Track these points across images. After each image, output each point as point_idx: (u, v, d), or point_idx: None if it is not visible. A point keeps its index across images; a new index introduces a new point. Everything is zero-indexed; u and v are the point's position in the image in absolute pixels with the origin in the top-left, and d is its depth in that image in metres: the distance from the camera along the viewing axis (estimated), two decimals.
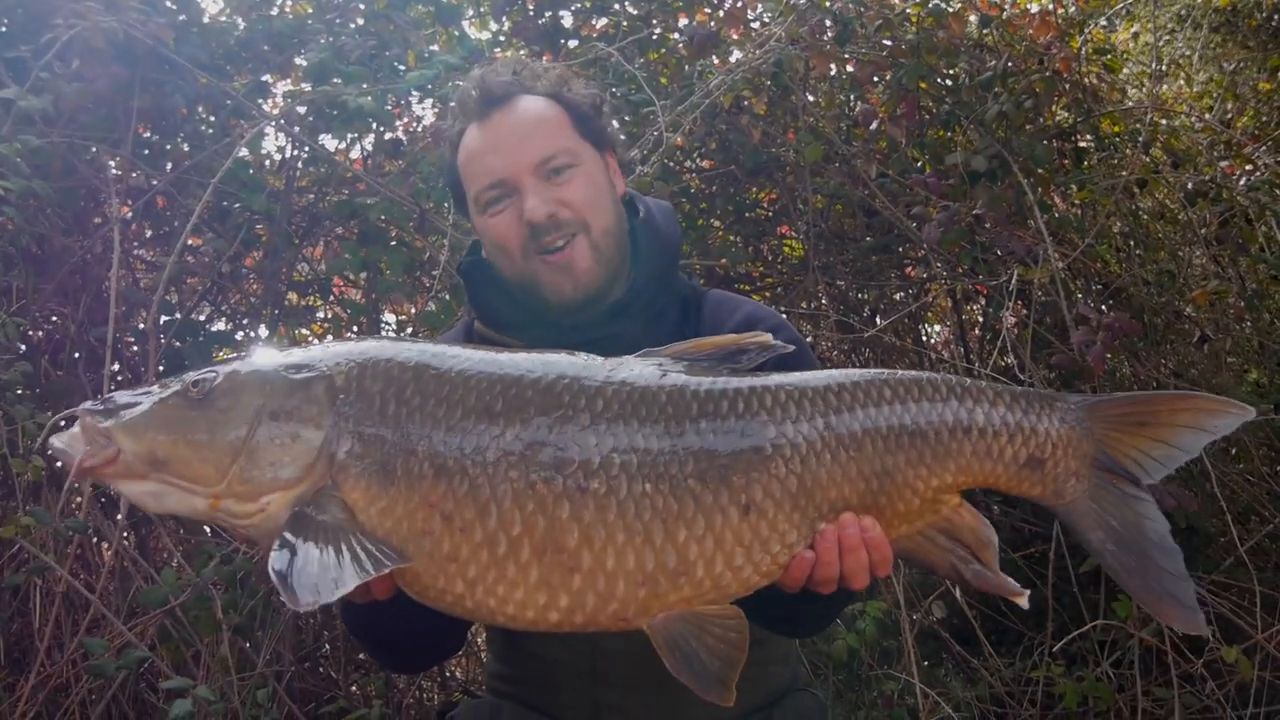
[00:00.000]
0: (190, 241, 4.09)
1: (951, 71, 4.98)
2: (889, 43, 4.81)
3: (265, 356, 1.74)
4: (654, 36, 4.78)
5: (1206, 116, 5.97)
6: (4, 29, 3.99)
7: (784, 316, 2.28)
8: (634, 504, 1.63)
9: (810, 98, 4.95)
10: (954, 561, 1.80)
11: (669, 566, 1.65)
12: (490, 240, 2.10)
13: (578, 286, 2.05)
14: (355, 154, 4.71)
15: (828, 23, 4.79)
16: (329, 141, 4.43)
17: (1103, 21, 6.11)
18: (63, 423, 1.69)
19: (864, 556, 1.72)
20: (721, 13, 4.85)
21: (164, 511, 1.70)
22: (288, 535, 1.58)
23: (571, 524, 1.62)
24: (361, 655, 4.36)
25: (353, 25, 4.35)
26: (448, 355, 1.74)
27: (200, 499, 1.64)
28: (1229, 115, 6.42)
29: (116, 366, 3.99)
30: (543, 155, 2.03)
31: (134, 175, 4.04)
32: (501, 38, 5.03)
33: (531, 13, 4.89)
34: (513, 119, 2.07)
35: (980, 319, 5.47)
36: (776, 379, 1.76)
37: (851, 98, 5.19)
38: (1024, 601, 1.81)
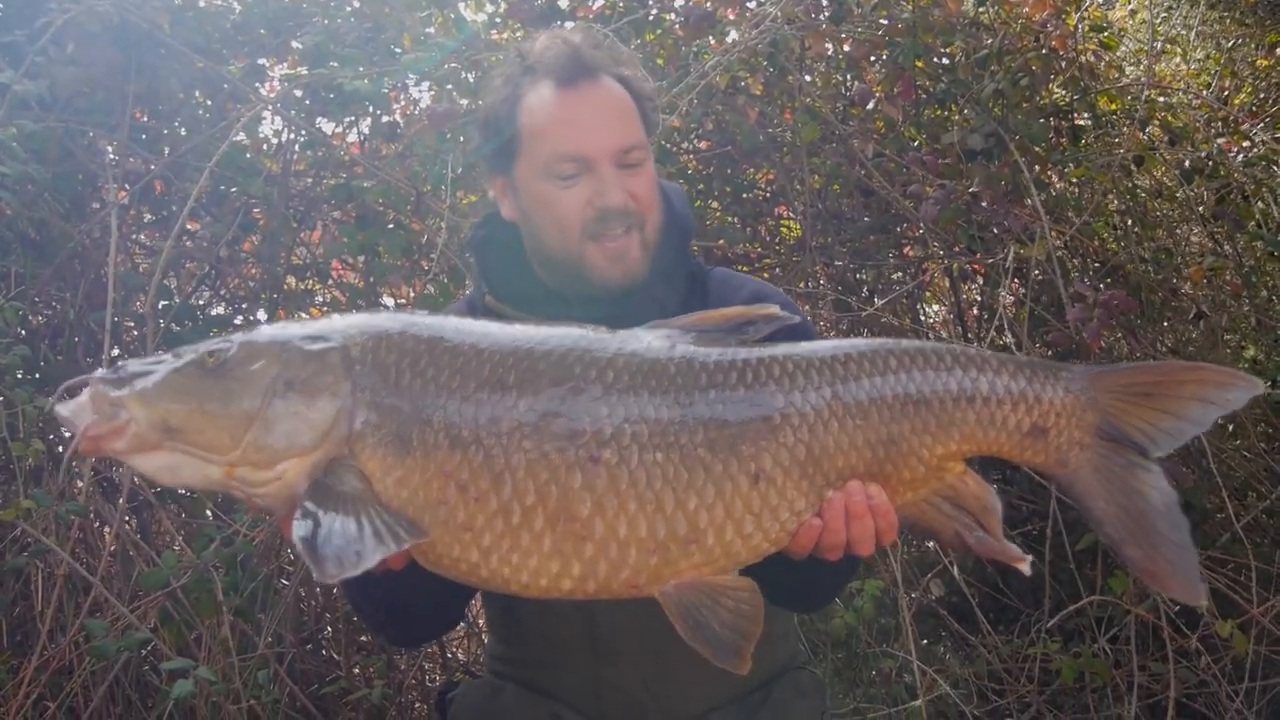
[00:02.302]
0: (188, 226, 4.09)
1: (947, 50, 4.97)
2: (885, 22, 4.80)
3: (280, 327, 1.76)
4: (650, 17, 4.77)
5: (1204, 93, 5.96)
6: None
7: (786, 294, 2.28)
8: (645, 473, 1.65)
9: (807, 78, 4.94)
10: (958, 528, 1.83)
11: (680, 534, 1.67)
12: (550, 210, 2.06)
13: (626, 275, 2.05)
14: (352, 137, 4.71)
15: (823, 2, 4.78)
16: (326, 125, 4.42)
17: None
18: (68, 394, 1.68)
19: (870, 523, 1.75)
20: None
21: (177, 484, 1.71)
22: (309, 505, 1.60)
23: (584, 493, 1.64)
24: (364, 637, 4.39)
25: (348, 8, 4.34)
26: (461, 327, 1.76)
27: (215, 467, 1.64)
28: (1226, 92, 6.41)
29: (116, 351, 3.99)
30: (625, 144, 2.03)
31: (131, 160, 4.04)
32: (498, 19, 5.01)
33: None
34: (601, 97, 2.05)
35: (978, 298, 5.48)
36: (784, 349, 1.78)
37: (848, 77, 5.18)
38: (1026, 568, 1.82)
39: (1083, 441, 1.82)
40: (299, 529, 1.57)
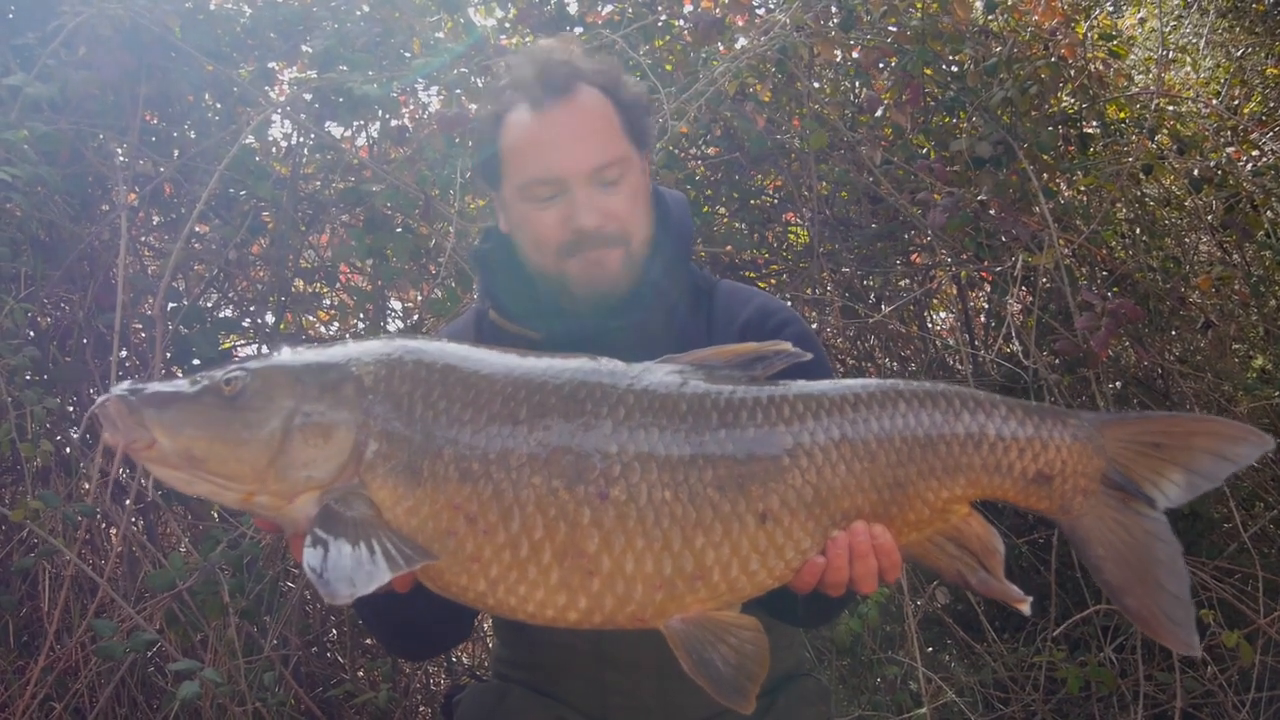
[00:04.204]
0: (197, 228, 4.10)
1: (956, 58, 4.97)
2: (894, 29, 4.81)
3: (294, 354, 1.77)
4: (659, 23, 4.77)
5: (1213, 102, 5.96)
6: (11, 16, 4.00)
7: (793, 309, 2.28)
8: (654, 511, 1.66)
9: (815, 84, 4.95)
10: (960, 569, 1.82)
11: (686, 571, 1.67)
12: (529, 231, 2.07)
13: (602, 285, 2.03)
14: (361, 141, 4.72)
15: (832, 9, 4.78)
16: (335, 129, 4.43)
17: (1109, 6, 6.10)
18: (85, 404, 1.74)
19: (873, 563, 1.75)
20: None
21: (195, 495, 1.74)
22: (319, 531, 1.61)
23: (592, 529, 1.65)
24: (369, 640, 4.39)
25: (358, 12, 4.34)
26: (473, 358, 1.76)
27: (234, 494, 1.68)
28: (1236, 101, 6.41)
29: (124, 353, 4.01)
30: (599, 163, 2.00)
31: (141, 162, 4.05)
32: (507, 24, 5.03)
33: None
34: (573, 115, 2.03)
35: (985, 305, 5.47)
36: (795, 389, 1.78)
37: (856, 84, 5.18)
38: (1026, 608, 1.82)
39: (1088, 489, 1.81)
40: (310, 557, 1.58)
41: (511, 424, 1.68)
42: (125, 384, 1.70)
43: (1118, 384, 5.14)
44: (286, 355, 1.77)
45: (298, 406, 1.68)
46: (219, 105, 4.28)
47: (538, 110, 2.04)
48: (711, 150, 5.15)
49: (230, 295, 4.62)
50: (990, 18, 5.02)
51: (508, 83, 2.09)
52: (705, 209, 5.00)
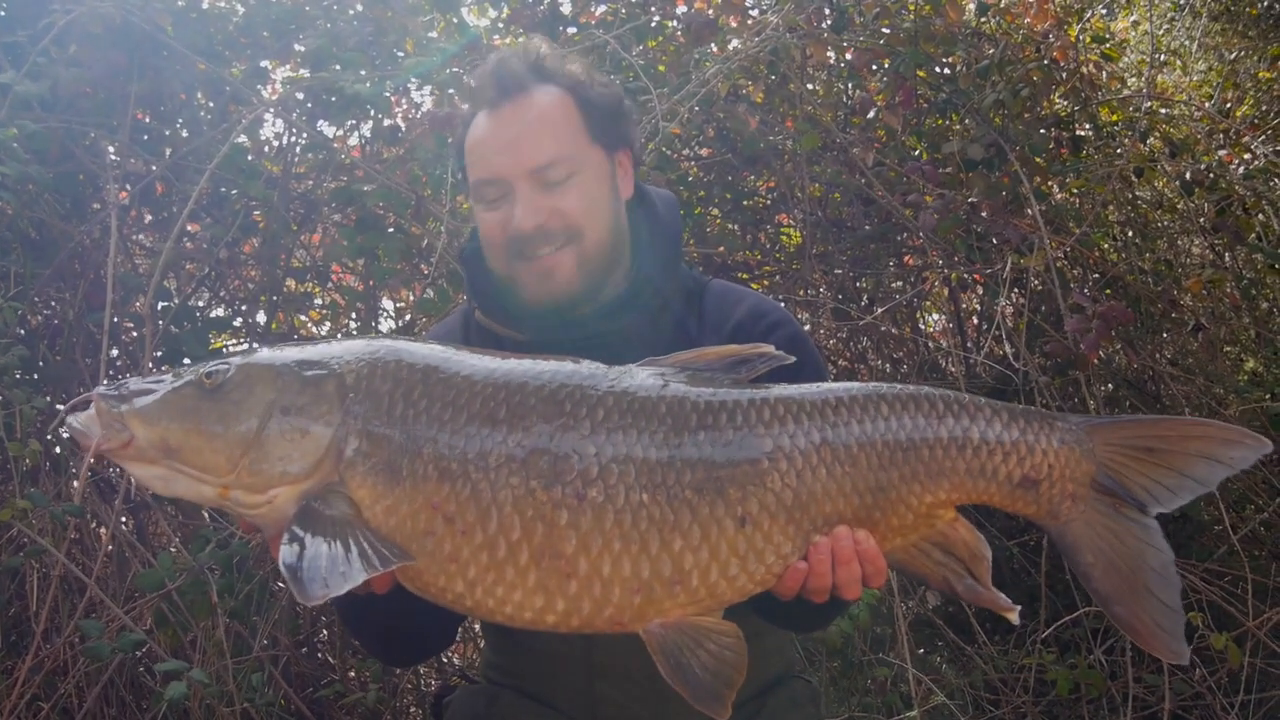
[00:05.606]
0: (188, 227, 4.09)
1: (949, 60, 4.98)
2: (886, 31, 4.81)
3: (277, 351, 1.77)
4: (652, 24, 4.77)
5: (1205, 105, 5.97)
6: (1, 13, 3.99)
7: (786, 310, 2.27)
8: (631, 513, 1.65)
9: (808, 86, 4.95)
10: (947, 575, 1.81)
11: (664, 575, 1.67)
12: (482, 232, 2.09)
13: (553, 294, 2.02)
14: (353, 141, 4.72)
15: (825, 10, 4.79)
16: (327, 128, 4.42)
17: (1101, 10, 6.11)
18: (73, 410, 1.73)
19: (857, 569, 1.73)
20: (719, 0, 4.85)
21: (172, 495, 1.73)
22: (296, 529, 1.61)
23: (569, 531, 1.64)
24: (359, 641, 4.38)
25: (351, 11, 4.34)
26: (454, 359, 1.76)
27: (209, 487, 1.68)
28: (1228, 104, 6.42)
29: (115, 352, 4.00)
30: (541, 162, 1.99)
31: (132, 161, 4.04)
32: (500, 24, 5.02)
33: None
34: (521, 116, 2.02)
35: (977, 307, 5.48)
36: (775, 392, 1.76)
37: (849, 86, 5.19)
38: (1014, 617, 1.80)
39: (1076, 494, 1.79)
40: (285, 554, 1.58)
41: (491, 424, 1.67)
42: (102, 387, 1.71)
43: (1109, 386, 5.15)
44: (270, 352, 1.77)
45: (277, 400, 1.68)
46: (211, 104, 4.27)
47: (491, 111, 2.04)
48: (704, 151, 5.15)
49: (221, 294, 4.61)
50: (983, 20, 5.02)
51: (473, 92, 2.10)
52: (698, 210, 4.99)
